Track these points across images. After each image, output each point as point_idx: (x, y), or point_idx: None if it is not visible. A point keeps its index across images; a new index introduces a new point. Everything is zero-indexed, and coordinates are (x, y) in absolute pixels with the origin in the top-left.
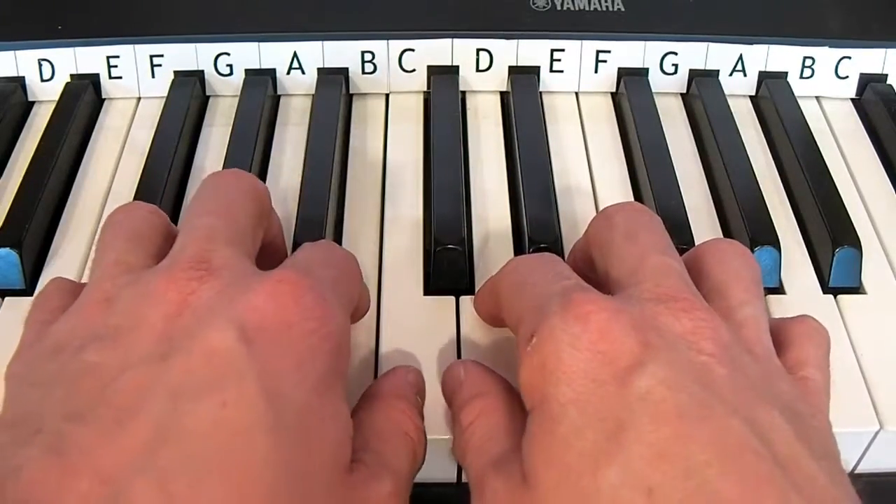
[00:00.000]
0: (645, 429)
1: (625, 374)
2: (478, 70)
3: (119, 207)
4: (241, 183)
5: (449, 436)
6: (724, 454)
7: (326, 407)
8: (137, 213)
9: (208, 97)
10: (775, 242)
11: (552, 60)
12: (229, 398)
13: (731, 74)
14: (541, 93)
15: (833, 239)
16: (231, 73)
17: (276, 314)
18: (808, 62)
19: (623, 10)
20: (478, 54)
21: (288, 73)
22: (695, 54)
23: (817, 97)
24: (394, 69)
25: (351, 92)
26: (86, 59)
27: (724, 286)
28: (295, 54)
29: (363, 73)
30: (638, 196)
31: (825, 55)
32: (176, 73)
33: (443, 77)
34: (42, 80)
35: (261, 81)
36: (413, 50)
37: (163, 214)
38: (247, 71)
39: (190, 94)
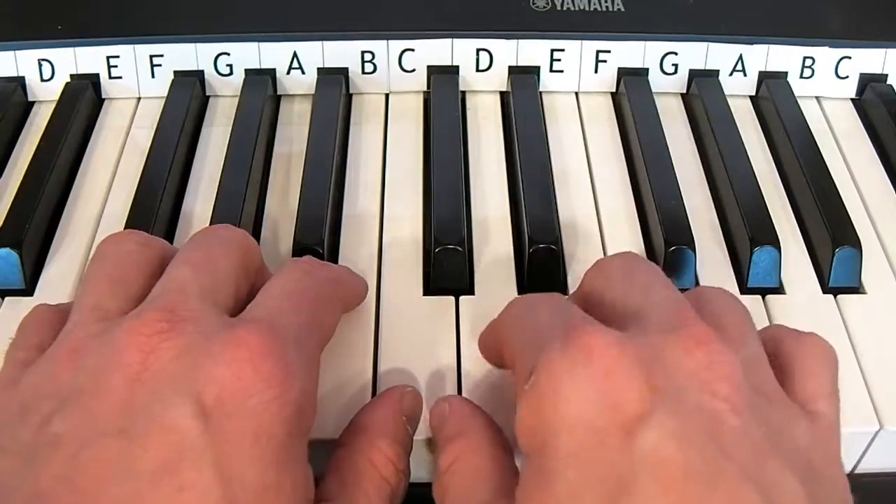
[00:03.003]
0: (650, 493)
1: (630, 424)
2: (478, 70)
3: (109, 238)
4: (228, 234)
5: None
6: None
7: (285, 480)
8: (125, 247)
9: (208, 97)
10: (775, 242)
11: (552, 60)
12: (186, 482)
13: (731, 74)
14: (541, 93)
15: (833, 239)
16: (231, 73)
17: (233, 385)
18: (808, 62)
19: (623, 10)
20: (478, 54)
21: (288, 73)
22: (695, 54)
23: (817, 97)
24: (394, 69)
25: (351, 92)
26: (86, 59)
27: (721, 326)
28: (295, 54)
29: (363, 72)
30: (638, 196)
31: (825, 55)
32: (176, 73)
33: (443, 77)
34: (42, 80)
35: (261, 81)
36: (413, 50)
37: (153, 246)
38: (247, 71)
39: (190, 94)
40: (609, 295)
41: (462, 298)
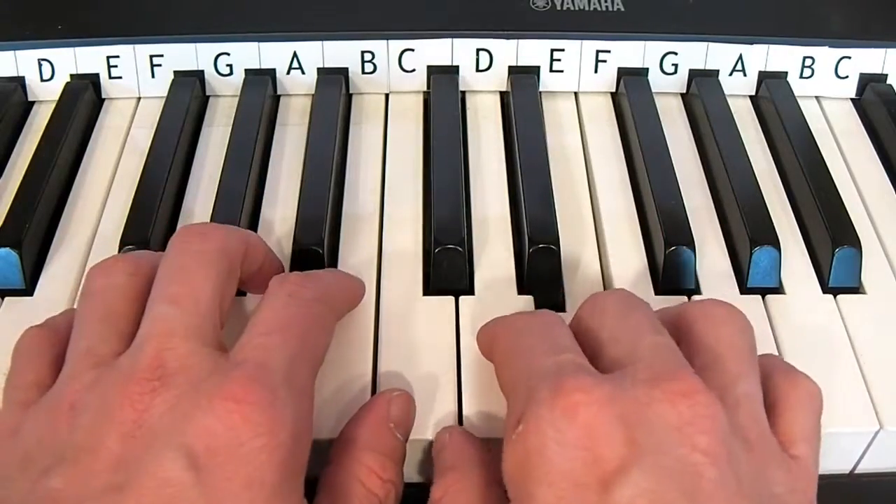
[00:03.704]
0: None
1: (608, 479)
2: (478, 70)
3: (97, 270)
4: (205, 247)
5: None
6: None
7: None
8: (114, 280)
9: (208, 97)
10: (775, 242)
11: (552, 60)
12: None
13: (731, 74)
14: (541, 93)
15: (833, 239)
16: (231, 73)
17: (224, 435)
18: (808, 62)
19: (623, 10)
20: (478, 54)
21: (288, 73)
22: (695, 54)
23: (817, 97)
24: (394, 69)
25: (351, 92)
26: (86, 59)
27: (718, 360)
28: (295, 54)
29: (363, 73)
30: (638, 196)
31: (825, 55)
32: (176, 73)
33: (443, 77)
34: (42, 80)
35: (261, 81)
36: (413, 50)
37: (142, 272)
38: (247, 71)
39: (190, 94)
40: (601, 335)
41: (462, 298)
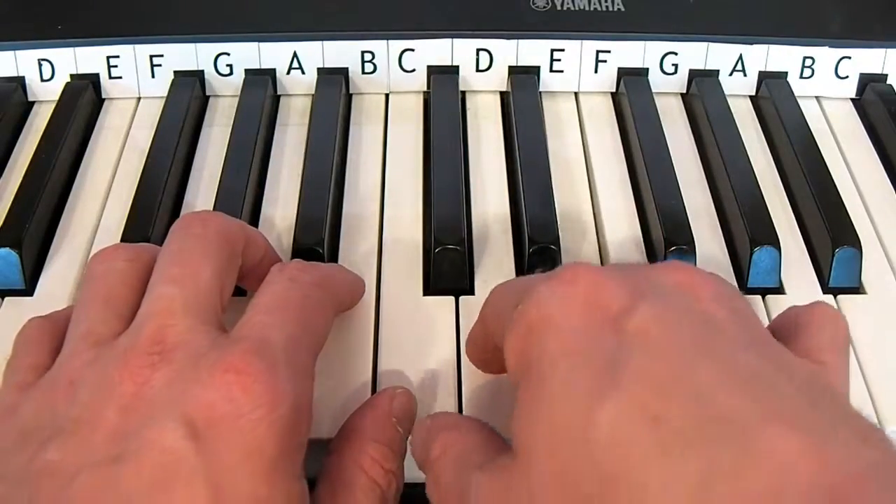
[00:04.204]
0: (642, 364)
1: (617, 318)
2: (478, 70)
3: (98, 256)
4: (206, 231)
5: None
6: (736, 379)
7: (277, 495)
8: (114, 265)
9: (208, 97)
10: (775, 242)
11: (552, 60)
12: (178, 499)
13: (731, 74)
14: (541, 93)
15: (833, 239)
16: (231, 73)
17: (223, 407)
18: (808, 62)
19: (623, 10)
20: (478, 54)
21: (288, 73)
22: (695, 54)
23: (817, 97)
24: (394, 69)
25: (351, 92)
26: (86, 59)
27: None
28: (295, 54)
29: (363, 73)
30: (638, 196)
31: (825, 55)
32: (176, 73)
33: (443, 77)
34: (42, 80)
35: (261, 81)
36: (413, 50)
37: (142, 259)
38: (247, 71)
39: (190, 94)
40: None
41: (462, 298)
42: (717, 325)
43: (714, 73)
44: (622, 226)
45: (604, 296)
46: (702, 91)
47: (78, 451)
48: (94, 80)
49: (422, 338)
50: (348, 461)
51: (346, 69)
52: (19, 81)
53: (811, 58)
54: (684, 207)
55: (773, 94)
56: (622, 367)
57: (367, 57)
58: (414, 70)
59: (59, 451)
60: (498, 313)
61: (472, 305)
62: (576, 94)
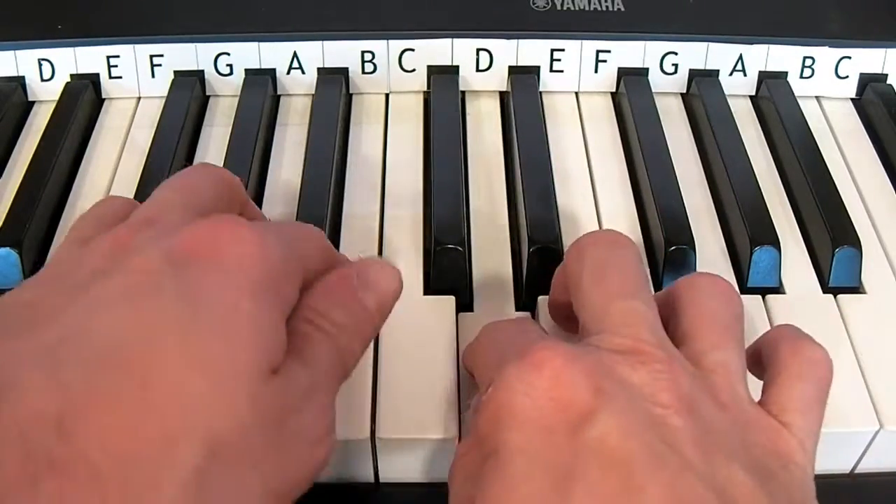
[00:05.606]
0: (594, 478)
1: (577, 421)
2: (478, 70)
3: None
4: (208, 171)
5: (449, 436)
6: None
7: (262, 313)
8: (112, 203)
9: (208, 97)
10: (775, 242)
11: (552, 60)
12: (145, 305)
13: (731, 74)
14: (541, 93)
15: (833, 239)
16: (231, 73)
17: (209, 242)
18: (808, 62)
19: (623, 10)
20: (478, 54)
21: (288, 73)
22: (695, 54)
23: (817, 97)
24: (394, 69)
25: (351, 92)
26: (86, 59)
27: (694, 329)
28: (295, 54)
29: (363, 72)
30: (638, 196)
31: (825, 55)
32: (176, 73)
33: (443, 77)
34: (42, 80)
35: (261, 81)
36: (413, 50)
37: (134, 203)
38: (247, 71)
39: (190, 94)
40: (577, 292)
41: (461, 298)
42: (674, 439)
43: (714, 73)
44: (622, 226)
45: (566, 393)
46: (702, 91)
47: (54, 287)
48: (94, 80)
49: (422, 337)
50: (295, 314)
51: (346, 69)
52: (19, 81)
53: (811, 58)
54: (684, 207)
55: (773, 93)
56: (576, 480)
57: (367, 57)
58: (414, 70)
59: (32, 293)
60: (482, 366)
61: (472, 305)
62: (576, 94)
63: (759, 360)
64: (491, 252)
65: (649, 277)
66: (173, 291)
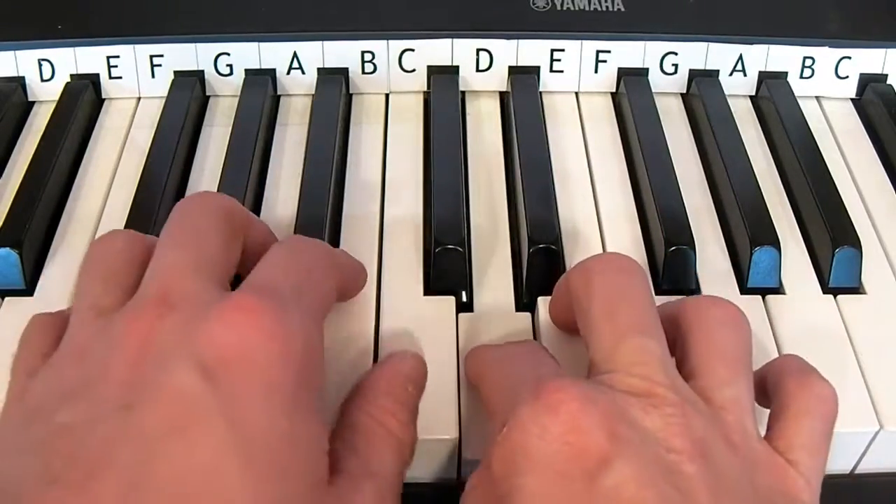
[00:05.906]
0: None
1: (593, 470)
2: (478, 70)
3: (97, 240)
4: (206, 206)
5: (449, 436)
6: None
7: (297, 429)
8: (114, 245)
9: (208, 97)
10: (775, 242)
11: (552, 60)
12: (198, 439)
13: (731, 74)
14: (541, 93)
15: (833, 239)
16: (231, 73)
17: (236, 345)
18: (808, 62)
19: (623, 10)
20: (478, 54)
21: (288, 73)
22: (695, 54)
23: (817, 97)
24: (394, 69)
25: (351, 92)
26: (86, 59)
27: (704, 364)
28: (295, 54)
29: (363, 73)
30: (638, 196)
31: (825, 55)
32: (176, 73)
33: (443, 77)
34: (42, 80)
35: (261, 81)
36: (413, 50)
37: (139, 241)
38: (247, 71)
39: (190, 94)
40: (586, 324)
41: (462, 298)
42: (688, 487)
43: (714, 73)
44: (622, 226)
45: (581, 438)
46: (702, 91)
47: (90, 408)
48: (94, 80)
49: (422, 338)
50: (363, 413)
51: (346, 69)
52: (19, 81)
53: (811, 58)
54: (684, 207)
55: (773, 94)
56: None
57: (367, 57)
58: (414, 70)
59: (70, 413)
60: (495, 401)
61: (472, 306)
62: (576, 94)
63: (765, 388)
64: (491, 252)
65: (655, 302)
66: (221, 420)
